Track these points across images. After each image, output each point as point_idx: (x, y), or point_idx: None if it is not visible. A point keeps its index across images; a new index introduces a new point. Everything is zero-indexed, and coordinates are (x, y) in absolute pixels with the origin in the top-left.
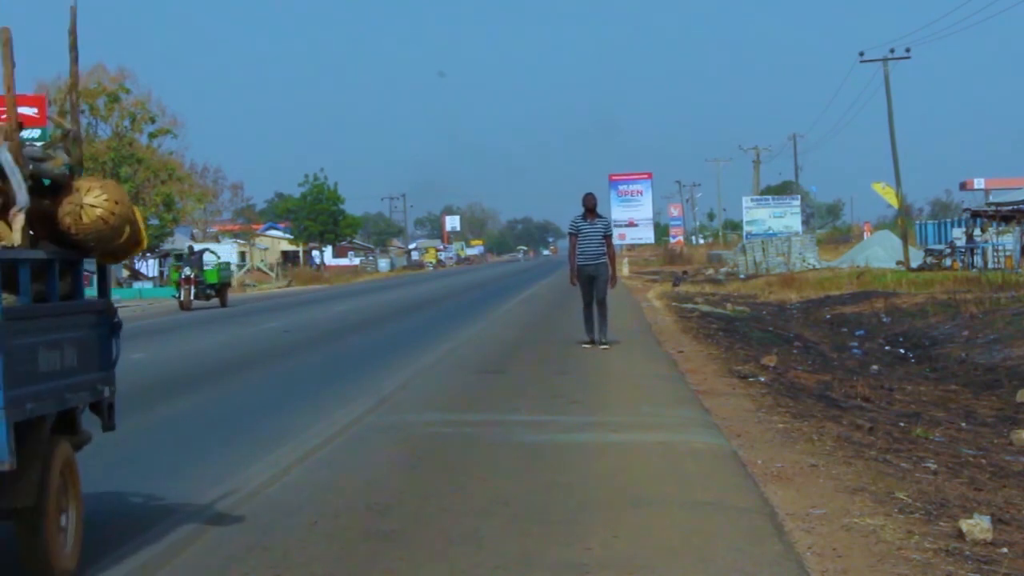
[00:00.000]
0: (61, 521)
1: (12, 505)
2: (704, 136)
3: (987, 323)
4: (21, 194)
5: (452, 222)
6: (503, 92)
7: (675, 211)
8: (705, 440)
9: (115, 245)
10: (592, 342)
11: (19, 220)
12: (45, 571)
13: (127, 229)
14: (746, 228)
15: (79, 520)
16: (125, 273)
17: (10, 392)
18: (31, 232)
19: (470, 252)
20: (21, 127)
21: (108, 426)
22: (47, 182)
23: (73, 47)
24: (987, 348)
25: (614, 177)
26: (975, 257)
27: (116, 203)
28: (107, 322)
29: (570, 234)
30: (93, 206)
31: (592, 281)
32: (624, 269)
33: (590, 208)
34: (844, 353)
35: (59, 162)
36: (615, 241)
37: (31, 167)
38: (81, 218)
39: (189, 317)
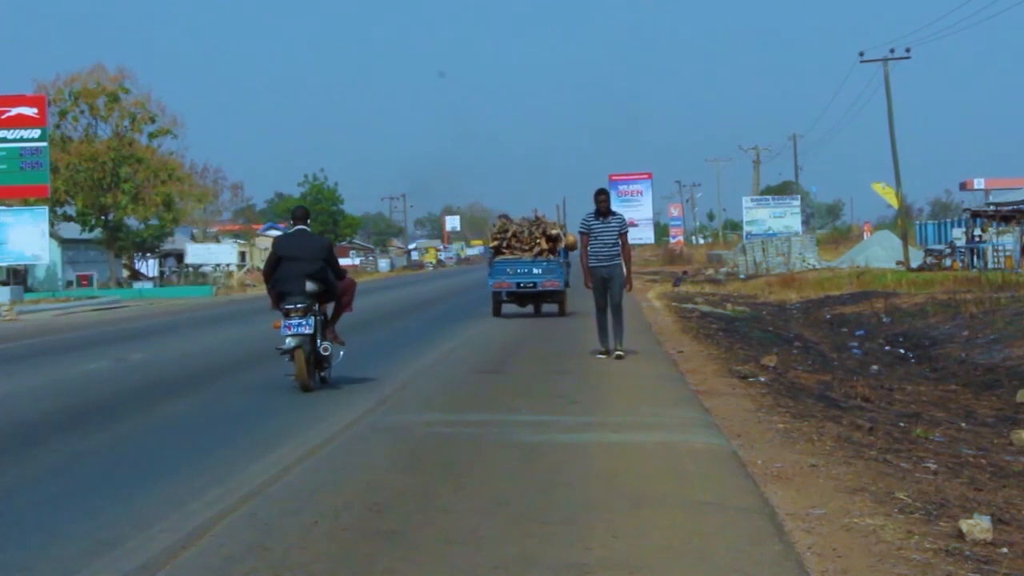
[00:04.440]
0: (567, 304)
1: (558, 301)
2: (704, 136)
3: (987, 323)
4: (570, 238)
5: (452, 222)
6: (503, 92)
7: (675, 211)
8: (705, 440)
9: (571, 250)
10: (607, 352)
11: (567, 241)
12: (564, 313)
13: (577, 244)
14: (746, 228)
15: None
16: (125, 273)
17: (567, 277)
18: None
19: (470, 252)
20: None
21: (567, 284)
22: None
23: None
24: (987, 348)
25: (614, 177)
26: (975, 257)
27: (573, 239)
28: (568, 264)
29: (581, 234)
30: (569, 239)
31: (606, 284)
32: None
33: (603, 206)
34: (844, 353)
35: (562, 232)
36: None
37: (562, 234)
38: (567, 241)
39: (189, 317)
